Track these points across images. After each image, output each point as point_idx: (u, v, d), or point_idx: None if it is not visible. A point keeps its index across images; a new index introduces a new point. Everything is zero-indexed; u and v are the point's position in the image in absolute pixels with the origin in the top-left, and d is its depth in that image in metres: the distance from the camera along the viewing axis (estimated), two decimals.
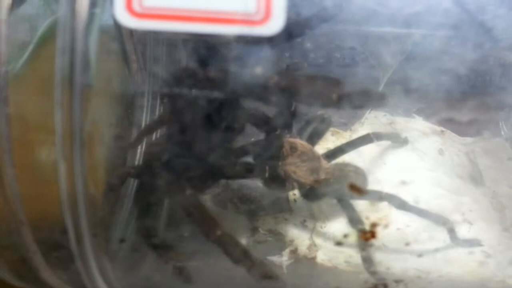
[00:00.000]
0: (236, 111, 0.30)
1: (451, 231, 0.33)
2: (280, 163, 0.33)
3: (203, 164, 0.30)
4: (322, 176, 0.33)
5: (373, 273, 0.30)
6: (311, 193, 0.34)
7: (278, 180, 0.33)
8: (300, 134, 0.35)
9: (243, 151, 0.33)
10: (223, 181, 0.36)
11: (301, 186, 0.34)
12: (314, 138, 0.37)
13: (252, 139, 0.35)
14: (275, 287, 0.29)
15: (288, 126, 0.34)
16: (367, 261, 0.30)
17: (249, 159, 0.33)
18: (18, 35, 0.24)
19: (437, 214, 0.32)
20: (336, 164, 0.35)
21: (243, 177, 0.34)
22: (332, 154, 0.36)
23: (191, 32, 0.22)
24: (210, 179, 0.32)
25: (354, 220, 0.31)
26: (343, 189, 0.32)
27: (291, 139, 0.34)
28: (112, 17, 0.21)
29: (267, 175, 0.33)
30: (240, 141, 0.33)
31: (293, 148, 0.33)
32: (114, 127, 0.35)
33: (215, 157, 0.30)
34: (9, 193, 0.24)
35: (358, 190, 0.30)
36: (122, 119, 0.37)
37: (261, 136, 0.34)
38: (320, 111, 0.38)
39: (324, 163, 0.34)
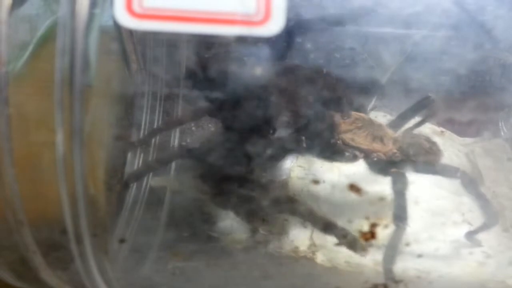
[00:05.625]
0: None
1: (482, 228, 0.32)
2: (335, 133, 0.31)
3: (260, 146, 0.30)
4: (390, 144, 0.31)
5: (389, 271, 0.30)
6: (379, 164, 0.32)
7: (336, 151, 0.32)
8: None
9: (300, 128, 0.32)
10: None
11: (366, 156, 0.32)
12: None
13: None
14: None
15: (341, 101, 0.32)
16: (388, 259, 0.29)
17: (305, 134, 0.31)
18: (18, 35, 0.24)
19: (493, 208, 0.32)
20: (406, 133, 0.33)
21: (302, 153, 0.33)
22: (394, 123, 0.34)
23: (191, 33, 0.22)
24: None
25: (400, 212, 0.29)
26: (418, 157, 0.30)
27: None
28: (112, 18, 0.21)
29: (324, 147, 0.32)
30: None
31: (345, 116, 0.32)
32: (114, 127, 0.35)
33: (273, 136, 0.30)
34: (9, 193, 0.24)
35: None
36: (122, 119, 0.37)
37: None
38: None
39: (391, 131, 0.32)
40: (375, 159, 0.32)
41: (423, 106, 0.35)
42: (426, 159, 0.32)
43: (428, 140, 0.33)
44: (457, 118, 0.38)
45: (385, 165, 0.32)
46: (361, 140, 0.31)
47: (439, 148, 0.33)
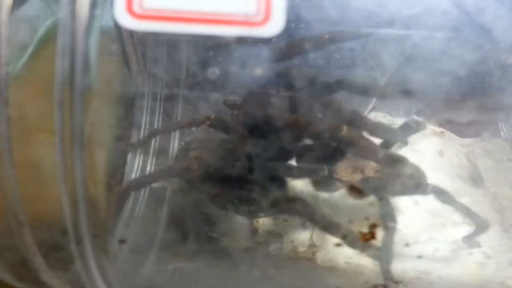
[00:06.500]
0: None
1: (475, 233, 0.32)
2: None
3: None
4: (370, 174, 0.32)
5: (387, 272, 0.30)
6: (357, 191, 0.32)
7: (324, 181, 0.32)
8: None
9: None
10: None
11: (348, 186, 0.32)
12: None
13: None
14: None
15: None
16: (384, 259, 0.30)
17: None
18: (18, 36, 0.24)
19: (478, 214, 0.32)
20: (387, 162, 0.33)
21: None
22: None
23: (191, 34, 0.22)
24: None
25: (387, 212, 0.30)
26: (393, 186, 0.31)
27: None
28: (112, 19, 0.21)
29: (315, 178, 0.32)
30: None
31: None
32: (114, 128, 0.35)
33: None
34: (9, 193, 0.24)
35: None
36: (122, 120, 0.37)
37: None
38: None
39: (372, 161, 0.32)
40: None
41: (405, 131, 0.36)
42: (406, 185, 0.32)
43: (408, 166, 0.33)
44: (457, 118, 0.38)
45: (363, 192, 0.32)
46: (341, 172, 0.32)
47: (421, 172, 0.33)
